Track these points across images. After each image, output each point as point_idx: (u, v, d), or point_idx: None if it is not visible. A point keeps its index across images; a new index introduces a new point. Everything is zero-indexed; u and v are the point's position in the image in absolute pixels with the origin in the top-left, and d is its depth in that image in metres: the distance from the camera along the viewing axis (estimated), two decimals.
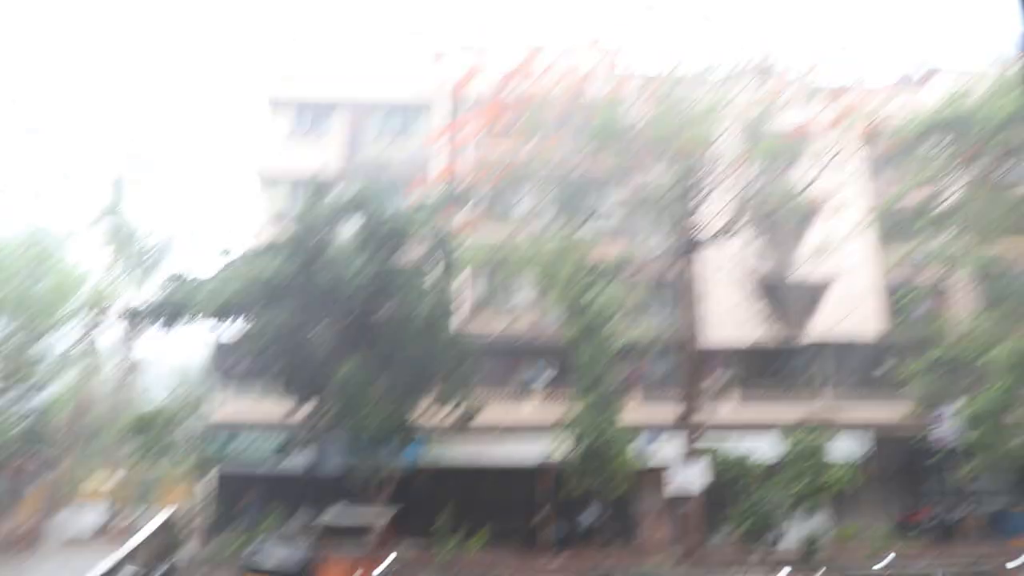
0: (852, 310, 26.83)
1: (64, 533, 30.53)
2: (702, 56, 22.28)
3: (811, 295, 27.32)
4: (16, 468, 29.70)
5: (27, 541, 29.51)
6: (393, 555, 17.45)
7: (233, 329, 21.67)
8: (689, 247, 21.94)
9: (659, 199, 21.69)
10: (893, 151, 26.19)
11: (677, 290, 22.41)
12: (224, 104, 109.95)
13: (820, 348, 26.38)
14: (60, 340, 26.94)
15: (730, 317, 24.81)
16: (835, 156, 21.70)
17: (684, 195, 21.57)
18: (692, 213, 21.55)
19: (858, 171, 25.82)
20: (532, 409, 24.66)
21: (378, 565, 16.27)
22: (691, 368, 21.42)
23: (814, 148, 21.95)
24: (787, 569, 16.89)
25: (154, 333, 21.47)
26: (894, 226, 25.01)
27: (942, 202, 23.12)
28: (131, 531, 27.15)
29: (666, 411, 22.90)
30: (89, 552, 25.73)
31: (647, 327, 23.32)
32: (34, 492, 31.29)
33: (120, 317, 25.62)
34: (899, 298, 25.86)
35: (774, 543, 20.41)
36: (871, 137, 24.22)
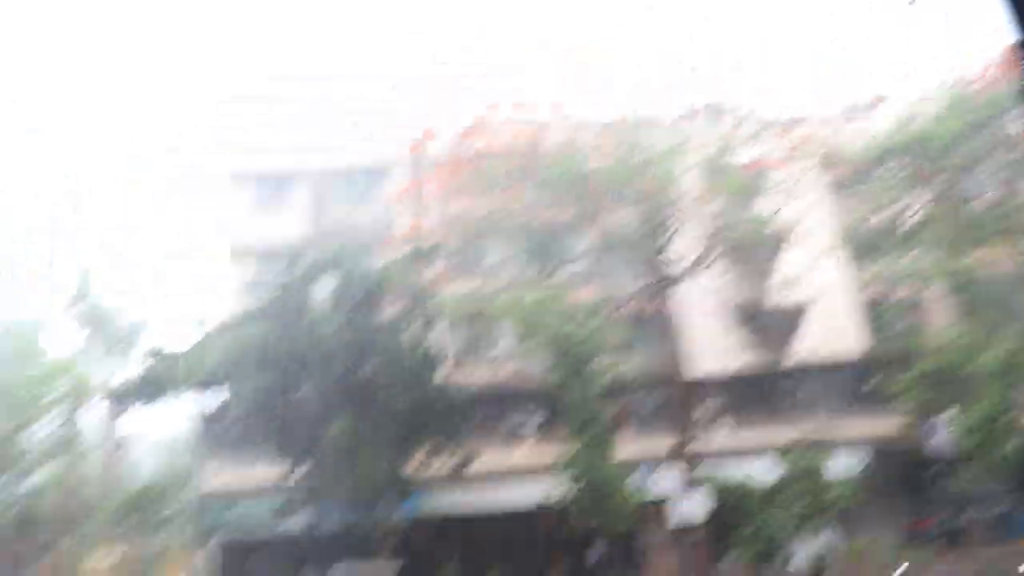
0: (832, 330, 27.16)
1: None
2: (654, 97, 22.77)
3: (790, 319, 27.65)
4: (12, 554, 29.07)
5: None
6: None
7: (217, 399, 21.73)
8: (664, 283, 22.28)
9: (628, 239, 22.00)
10: (852, 176, 26.82)
11: (658, 325, 22.58)
12: (184, 179, 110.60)
13: (806, 369, 26.60)
14: (46, 425, 26.67)
15: (713, 347, 25.04)
16: (796, 184, 22.17)
17: (653, 233, 21.95)
18: (663, 250, 21.95)
19: (821, 197, 26.32)
20: (526, 453, 24.71)
21: None
22: (680, 399, 21.57)
23: (775, 179, 22.40)
24: None
25: (138, 409, 21.55)
26: (864, 246, 25.46)
27: (908, 220, 23.58)
28: None
29: (660, 444, 22.96)
30: None
31: (632, 364, 23.40)
32: None
33: (103, 397, 25.52)
34: (878, 315, 26.15)
35: (783, 565, 20.24)
36: (829, 164, 24.77)
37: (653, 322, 22.94)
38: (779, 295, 26.11)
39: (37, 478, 28.20)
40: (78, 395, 26.25)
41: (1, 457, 24.58)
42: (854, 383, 26.84)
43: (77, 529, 36.74)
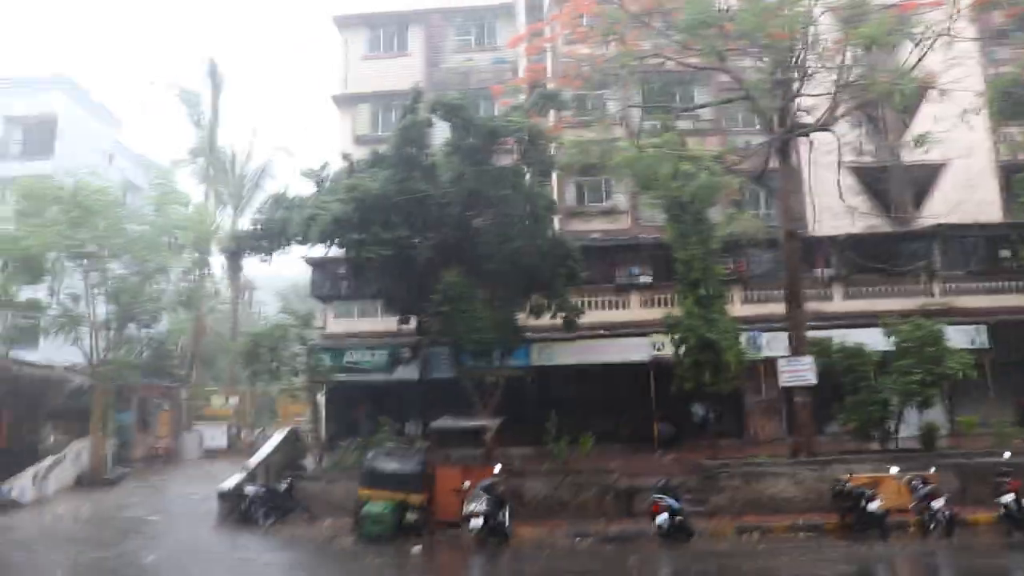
0: (967, 194, 25.60)
1: (195, 449, 32.72)
2: None
3: (922, 180, 26.10)
4: (145, 393, 31.69)
5: (165, 457, 31.81)
6: (504, 459, 17.80)
7: (335, 246, 21.83)
8: (789, 136, 21.01)
9: (755, 88, 20.72)
10: (1007, 25, 24.32)
11: (780, 181, 21.59)
12: (295, 26, 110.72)
13: (934, 234, 25.24)
14: (173, 271, 28.14)
15: (837, 206, 23.92)
16: (942, 31, 20.13)
17: (781, 83, 20.54)
18: (790, 101, 20.53)
19: (969, 48, 24.03)
20: (636, 308, 24.67)
21: (490, 470, 16.63)
22: (797, 259, 20.79)
23: (919, 24, 20.41)
24: (895, 469, 16.46)
25: (259, 257, 22.10)
26: (1011, 106, 23.34)
27: None
28: (254, 445, 28.89)
29: (774, 304, 22.58)
30: (220, 464, 27.56)
31: (749, 220, 22.70)
32: (165, 413, 33.46)
33: (226, 243, 26.50)
34: (1019, 181, 24.28)
35: (890, 435, 19.95)
36: (983, 8, 22.49)
37: (775, 177, 21.92)
38: (913, 153, 24.55)
39: (167, 323, 30.14)
40: (202, 238, 27.38)
41: (136, 300, 25.97)
42: (984, 251, 25.45)
43: (205, 369, 39.66)
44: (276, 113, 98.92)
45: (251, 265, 39.84)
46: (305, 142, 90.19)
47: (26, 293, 25.82)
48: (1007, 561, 14.16)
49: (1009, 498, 15.06)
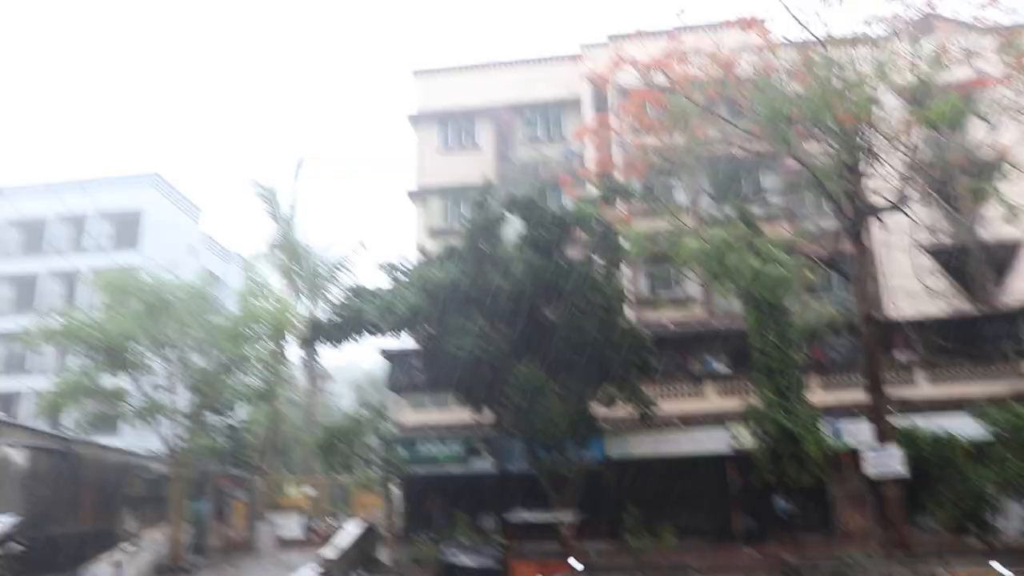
0: None
1: (269, 539, 32.92)
2: (855, 13, 20.97)
3: (1002, 258, 25.41)
4: (223, 482, 32.20)
5: (240, 547, 32.06)
6: (581, 554, 17.50)
7: (409, 338, 22.62)
8: (861, 219, 20.83)
9: (824, 172, 20.71)
10: None
11: (854, 265, 21.30)
12: (369, 122, 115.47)
13: (1019, 314, 24.41)
14: (251, 361, 28.77)
15: (914, 288, 23.41)
16: (1016, 105, 19.86)
17: (849, 166, 20.49)
18: (859, 184, 20.44)
19: None
20: (713, 398, 24.25)
21: (567, 563, 16.38)
22: (876, 345, 20.33)
23: (990, 98, 20.19)
24: (997, 565, 15.58)
25: (335, 347, 22.58)
26: None
27: None
28: (329, 536, 28.96)
29: (854, 391, 22.03)
30: (296, 554, 27.64)
31: (825, 306, 22.38)
32: (239, 503, 33.88)
33: (302, 334, 27.10)
34: None
35: (989, 529, 18.97)
36: None
37: (849, 261, 21.63)
38: (991, 231, 23.99)
39: (244, 412, 30.75)
40: (279, 329, 28.01)
41: (215, 391, 26.61)
42: None
43: (278, 461, 40.18)
44: (356, 206, 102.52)
45: (327, 356, 40.91)
46: (383, 234, 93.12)
47: (109, 380, 26.65)
48: None
49: None
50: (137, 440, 27.30)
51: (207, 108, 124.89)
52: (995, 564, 15.59)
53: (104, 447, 26.46)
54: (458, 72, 30.27)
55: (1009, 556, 16.20)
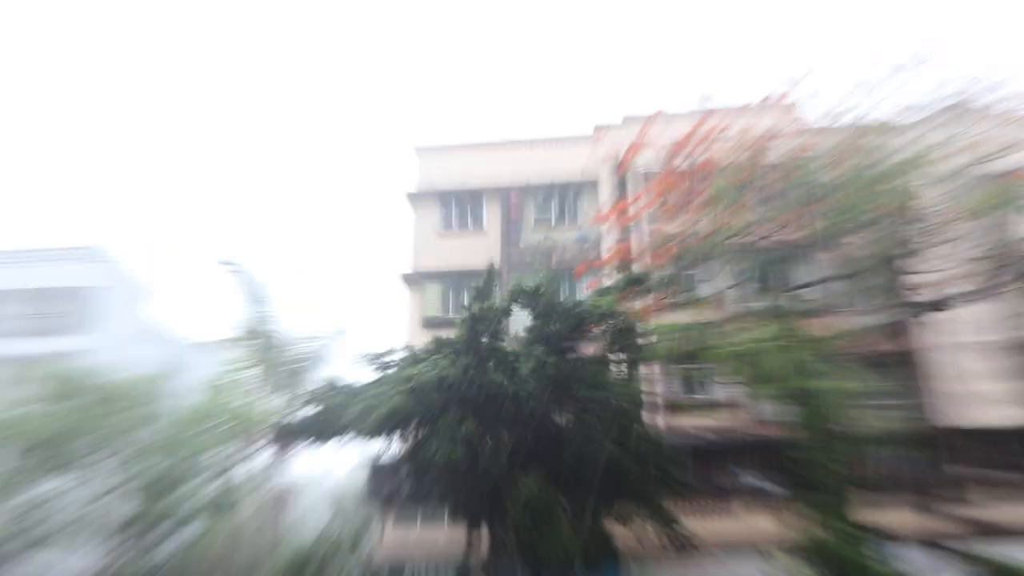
0: None
1: None
2: (893, 98, 20.23)
3: None
4: None
5: None
6: None
7: (393, 445, 20.44)
8: (913, 316, 19.15)
9: (868, 264, 19.22)
10: None
11: (906, 367, 19.38)
12: (360, 199, 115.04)
13: None
14: (205, 468, 26.05)
15: (976, 393, 21.33)
16: None
17: (896, 257, 19.10)
18: (910, 277, 18.87)
19: None
20: (756, 519, 21.89)
21: None
22: (937, 458, 18.10)
23: None
24: None
25: (306, 452, 21.09)
26: None
27: None
28: None
29: (914, 512, 20.12)
30: None
31: (878, 413, 20.34)
32: None
33: (269, 436, 24.91)
34: None
35: None
36: None
37: (901, 362, 19.72)
38: None
39: (193, 529, 27.73)
40: (241, 431, 25.53)
41: (160, 504, 23.98)
42: None
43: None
44: (343, 291, 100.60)
45: (299, 462, 37.71)
46: (372, 322, 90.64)
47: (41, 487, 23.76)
48: None
49: None
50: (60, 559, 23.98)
51: (177, 177, 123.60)
52: None
53: None
54: (464, 150, 28.99)
55: None
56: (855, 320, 22.52)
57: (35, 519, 24.03)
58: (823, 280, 22.66)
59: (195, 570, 29.22)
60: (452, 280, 26.58)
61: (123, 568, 23.70)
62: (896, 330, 19.17)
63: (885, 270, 19.06)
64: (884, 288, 19.23)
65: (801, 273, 24.57)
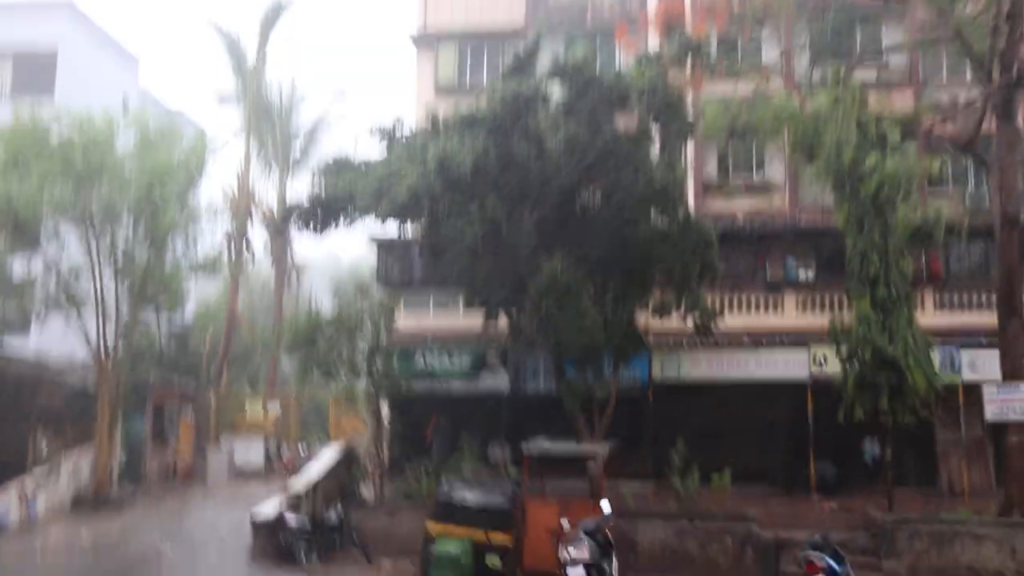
0: None
1: (223, 468, 32.85)
2: None
3: None
4: (165, 396, 31.90)
5: (185, 476, 32.01)
6: (614, 496, 17.27)
7: (408, 225, 22.24)
8: (1008, 94, 19.80)
9: (966, 26, 19.67)
10: None
11: (997, 151, 20.41)
12: None
13: None
14: (199, 244, 27.88)
15: None
16: None
17: (1004, 18, 19.30)
18: (1017, 44, 19.28)
19: None
20: (792, 312, 23.88)
21: (596, 508, 16.05)
22: (1016, 254, 19.55)
23: None
24: None
25: (312, 234, 21.97)
26: None
27: None
28: (298, 466, 28.84)
29: (980, 313, 21.78)
30: (256, 486, 27.53)
31: (951, 203, 21.74)
32: (186, 423, 33.69)
33: (270, 215, 26.50)
34: None
35: None
36: None
37: (987, 147, 20.67)
38: None
39: (192, 309, 30.02)
40: (237, 207, 27.26)
41: (150, 274, 25.64)
42: None
43: (238, 370, 39.97)
44: (344, 56, 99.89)
45: (302, 246, 40.24)
46: (379, 91, 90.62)
47: (20, 265, 25.89)
48: None
49: None
50: (55, 343, 26.67)
51: None
52: None
53: (5, 357, 25.81)
54: None
55: None
56: (932, 96, 23.47)
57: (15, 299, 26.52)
58: (900, 47, 23.44)
59: (193, 352, 32.43)
60: (470, 42, 27.26)
61: (117, 350, 26.12)
62: (997, 106, 19.72)
63: (993, 33, 19.17)
64: (991, 55, 19.43)
65: (888, 36, 25.24)
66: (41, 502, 23.72)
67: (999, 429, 19.56)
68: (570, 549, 14.91)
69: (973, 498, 20.80)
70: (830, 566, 14.53)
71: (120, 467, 27.42)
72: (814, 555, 14.68)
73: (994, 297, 19.98)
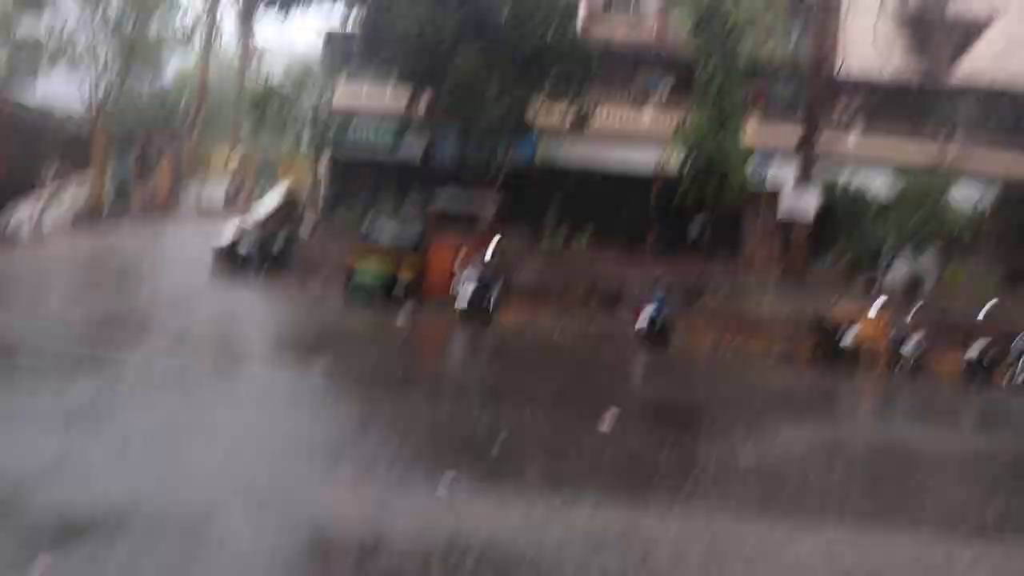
0: (1007, 55, 24.40)
1: (193, 203, 32.56)
2: None
3: (965, 33, 24.89)
4: (145, 141, 30.98)
5: (162, 208, 31.62)
6: (498, 239, 17.65)
7: (351, 15, 21.57)
8: None
9: None
10: None
11: (818, 10, 20.43)
12: None
13: (963, 91, 24.39)
14: (178, 18, 26.52)
15: (871, 46, 22.81)
16: None
17: None
18: None
19: None
20: (649, 117, 24.14)
21: (484, 247, 16.63)
22: (819, 93, 20.05)
23: None
24: (883, 298, 16.65)
25: (272, 17, 21.40)
26: None
27: None
28: (251, 204, 28.73)
29: (787, 135, 22.04)
30: (218, 219, 27.51)
31: (779, 46, 21.73)
32: (164, 164, 32.93)
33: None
34: None
35: (879, 276, 20.12)
36: None
37: (813, 6, 20.72)
38: (959, 3, 23.23)
39: (170, 71, 28.63)
40: None
41: (132, 46, 24.48)
42: (1011, 115, 24.61)
43: (206, 125, 38.67)
44: None
45: (266, 24, 37.87)
46: None
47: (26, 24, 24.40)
48: (959, 405, 14.80)
49: (973, 354, 15.81)
50: (57, 95, 25.47)
51: None
52: (876, 304, 16.67)
53: (18, 105, 24.57)
54: None
55: (888, 305, 17.17)
56: None
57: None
58: None
59: (172, 110, 31.20)
60: None
61: (109, 100, 25.15)
62: None
63: None
64: None
65: None
66: (47, 218, 23.30)
67: (788, 225, 20.64)
68: (464, 273, 15.89)
69: (763, 273, 21.68)
70: (653, 310, 15.55)
71: (110, 198, 26.85)
72: (643, 300, 15.76)
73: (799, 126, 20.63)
